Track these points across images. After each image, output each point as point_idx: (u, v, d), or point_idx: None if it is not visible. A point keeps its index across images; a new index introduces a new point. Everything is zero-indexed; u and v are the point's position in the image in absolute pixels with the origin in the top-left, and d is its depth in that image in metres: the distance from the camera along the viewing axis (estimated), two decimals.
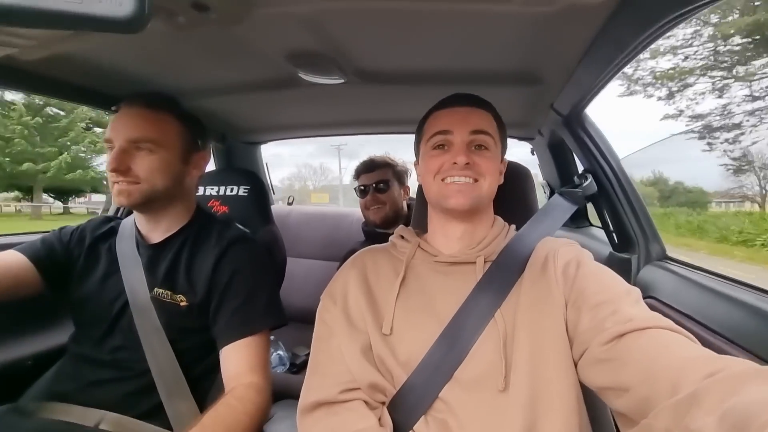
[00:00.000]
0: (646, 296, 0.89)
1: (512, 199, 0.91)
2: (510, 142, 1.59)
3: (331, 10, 0.67)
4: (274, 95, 1.20)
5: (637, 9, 0.54)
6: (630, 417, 0.48)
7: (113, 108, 0.92)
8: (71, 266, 0.96)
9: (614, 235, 1.11)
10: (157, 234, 0.95)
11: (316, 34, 0.77)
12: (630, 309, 0.56)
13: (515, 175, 0.93)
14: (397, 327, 0.70)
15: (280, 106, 1.36)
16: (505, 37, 0.79)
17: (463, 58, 0.91)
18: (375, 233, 1.62)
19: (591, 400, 0.63)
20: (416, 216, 0.96)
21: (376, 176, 1.59)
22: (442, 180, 0.73)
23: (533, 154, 1.65)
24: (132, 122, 0.87)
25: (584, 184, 1.03)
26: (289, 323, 1.00)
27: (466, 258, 0.74)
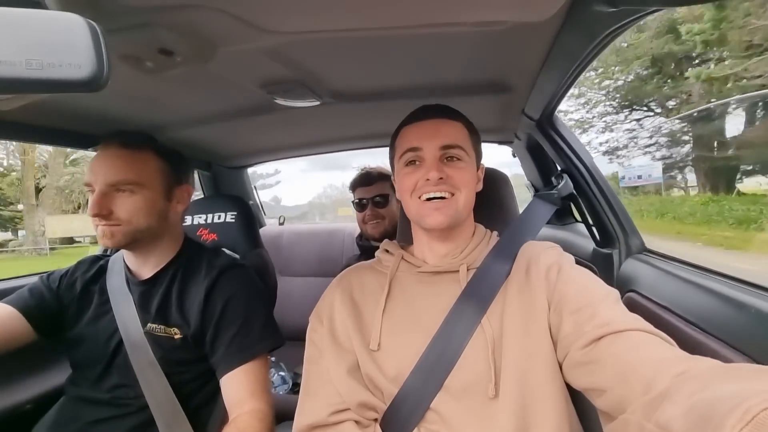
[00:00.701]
0: (629, 290, 0.91)
1: (492, 204, 0.92)
2: (491, 145, 1.63)
3: (296, 43, 0.70)
4: (253, 121, 1.22)
5: (580, 25, 0.57)
6: (610, 415, 0.50)
7: (93, 148, 0.93)
8: (63, 312, 0.95)
9: (595, 231, 1.13)
10: (146, 270, 0.96)
11: (284, 64, 0.80)
12: (608, 312, 0.58)
13: (493, 180, 0.95)
14: (385, 342, 0.71)
15: (261, 131, 1.38)
16: (469, 52, 0.81)
17: (433, 72, 0.93)
18: (371, 247, 1.59)
19: (581, 399, 0.64)
20: (401, 229, 0.97)
21: (375, 190, 1.53)
22: (419, 198, 0.73)
23: (515, 156, 1.68)
24: (110, 164, 0.85)
25: (560, 185, 1.05)
26: (289, 343, 1.01)
27: (449, 267, 0.75)
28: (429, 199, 0.72)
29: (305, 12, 0.56)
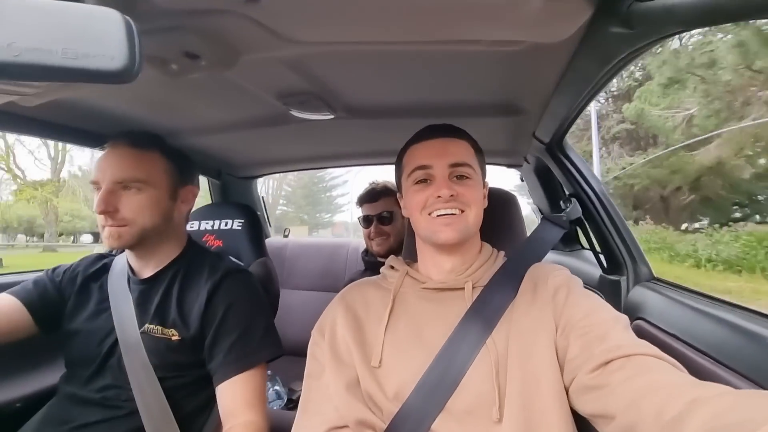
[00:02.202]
0: (636, 317, 0.90)
1: (499, 225, 0.92)
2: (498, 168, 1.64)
3: (316, 54, 0.72)
4: (266, 132, 1.24)
5: (595, 48, 0.58)
6: None
7: (102, 146, 0.94)
8: (63, 306, 0.95)
9: (602, 257, 1.12)
10: (147, 269, 0.96)
11: (303, 75, 0.82)
12: (617, 336, 0.57)
13: (501, 201, 0.95)
14: (386, 359, 0.70)
15: (273, 142, 1.40)
16: (483, 72, 0.83)
17: (446, 91, 0.95)
18: (376, 262, 1.58)
19: (585, 426, 0.62)
20: (407, 246, 0.97)
21: (380, 207, 1.53)
22: (429, 214, 0.73)
23: (522, 180, 1.69)
24: (118, 163, 0.87)
25: (568, 209, 1.05)
26: (286, 357, 0.99)
27: (454, 284, 0.74)
28: (439, 216, 0.72)
29: (329, 23, 0.58)
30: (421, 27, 0.57)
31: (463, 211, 0.72)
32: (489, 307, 0.70)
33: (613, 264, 1.07)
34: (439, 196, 0.71)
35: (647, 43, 0.51)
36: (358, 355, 0.71)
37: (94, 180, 0.87)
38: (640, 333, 0.84)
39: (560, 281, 0.70)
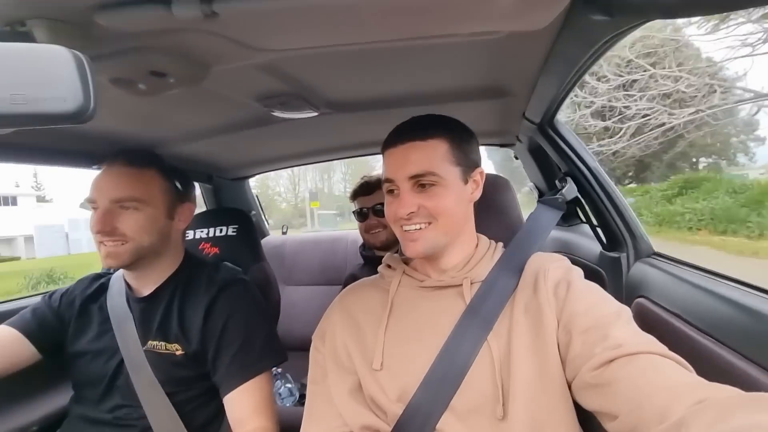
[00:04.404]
0: (638, 295, 0.89)
1: (494, 212, 0.91)
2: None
3: (289, 57, 0.69)
4: (252, 133, 1.21)
5: (577, 32, 0.55)
6: None
7: (96, 166, 0.93)
8: (64, 331, 0.95)
9: (602, 234, 1.11)
10: (146, 287, 0.95)
11: (279, 78, 0.79)
12: (619, 333, 0.55)
13: (494, 186, 0.93)
14: (387, 361, 0.69)
15: (260, 142, 1.38)
16: (465, 60, 0.80)
17: (429, 80, 0.92)
18: (374, 257, 1.56)
19: (590, 419, 0.62)
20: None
21: (375, 199, 1.50)
22: (401, 227, 0.71)
23: (516, 159, 1.66)
24: (115, 182, 0.86)
25: (564, 188, 1.04)
26: (295, 353, 1.00)
27: (452, 281, 0.72)
28: (406, 231, 0.71)
29: (297, 30, 0.55)
30: (392, 28, 0.54)
31: (430, 223, 0.69)
32: (488, 304, 0.68)
33: (613, 241, 1.06)
34: (399, 215, 0.69)
35: (627, 28, 0.49)
36: (359, 358, 0.71)
37: (91, 199, 0.86)
38: (642, 312, 0.84)
39: (560, 274, 0.68)
